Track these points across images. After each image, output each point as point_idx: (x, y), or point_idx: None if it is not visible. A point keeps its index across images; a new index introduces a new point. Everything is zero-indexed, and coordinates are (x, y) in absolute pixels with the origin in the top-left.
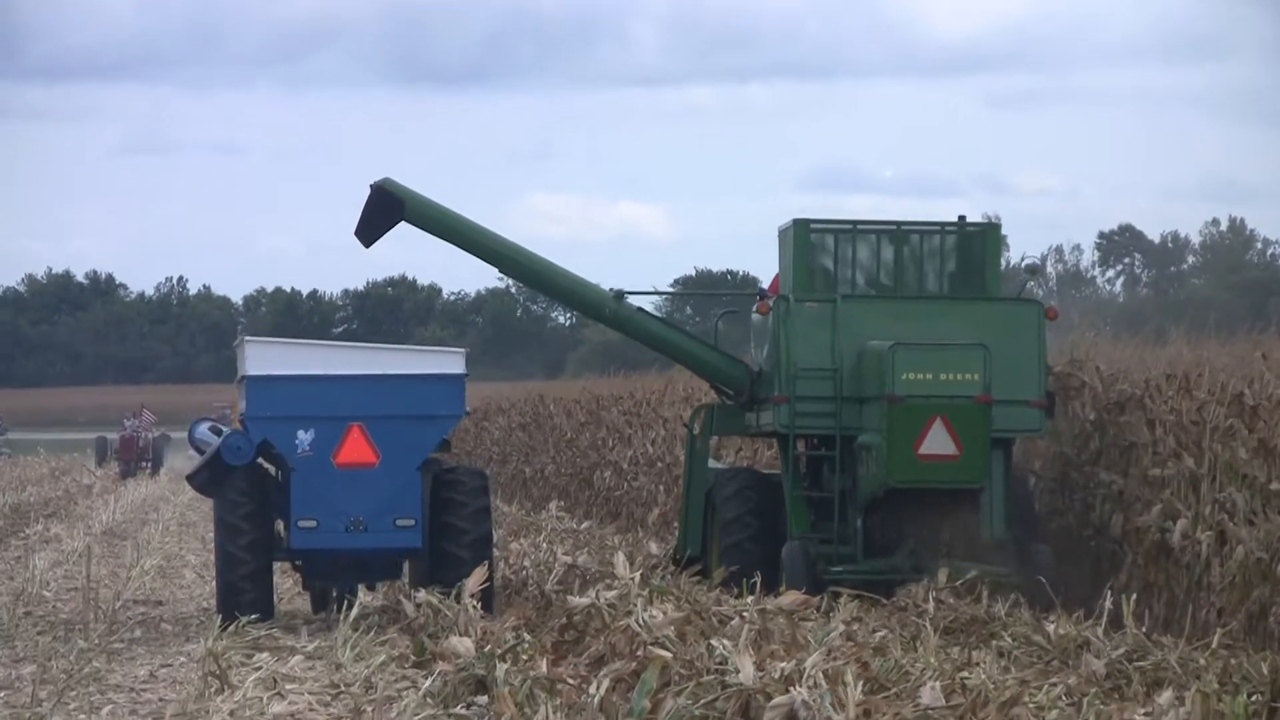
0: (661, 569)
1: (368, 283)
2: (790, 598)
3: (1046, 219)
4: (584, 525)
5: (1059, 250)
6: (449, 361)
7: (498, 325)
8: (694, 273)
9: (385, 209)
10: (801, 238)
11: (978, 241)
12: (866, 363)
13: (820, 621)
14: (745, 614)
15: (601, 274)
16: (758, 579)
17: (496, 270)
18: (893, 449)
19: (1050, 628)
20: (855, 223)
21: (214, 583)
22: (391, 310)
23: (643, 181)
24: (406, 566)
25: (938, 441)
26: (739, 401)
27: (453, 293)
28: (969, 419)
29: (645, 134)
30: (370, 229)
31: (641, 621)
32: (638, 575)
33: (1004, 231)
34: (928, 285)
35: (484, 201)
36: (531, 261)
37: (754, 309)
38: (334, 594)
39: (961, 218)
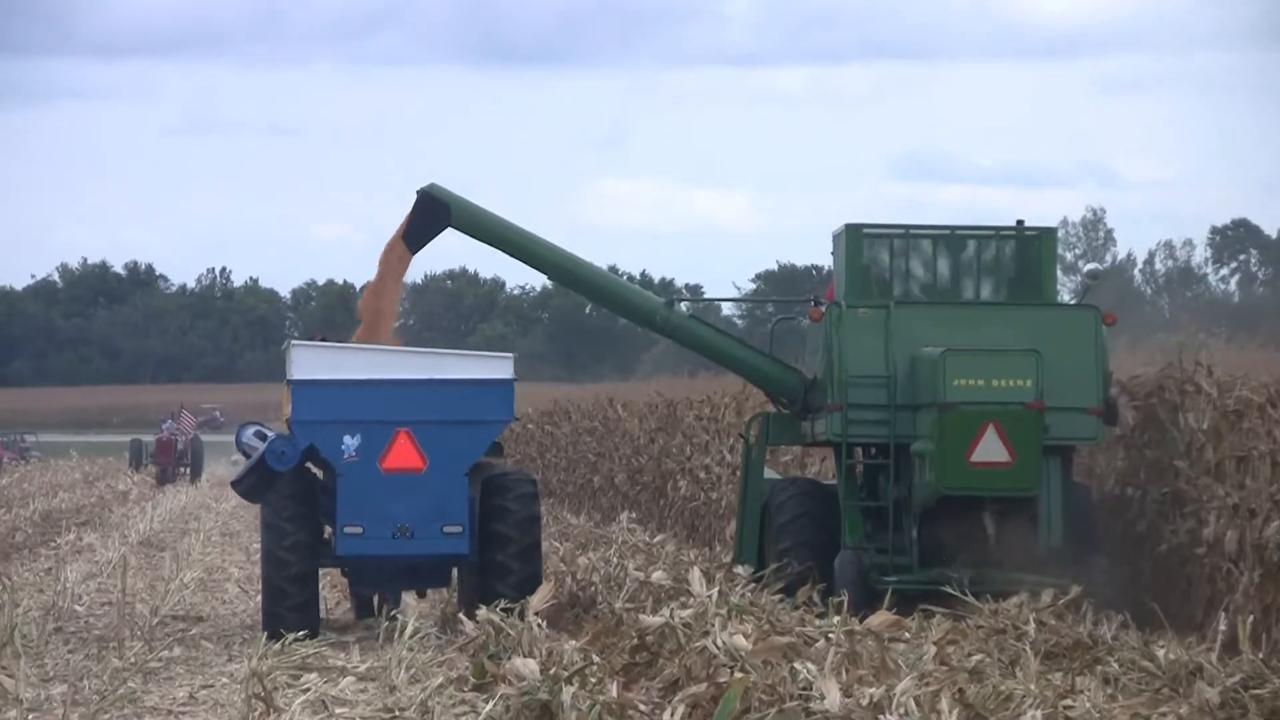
0: (742, 586)
1: (425, 276)
2: (880, 618)
3: (1156, 212)
4: (657, 538)
5: (1168, 246)
6: (497, 367)
7: (565, 322)
8: (776, 267)
9: (432, 215)
10: (854, 243)
11: (1034, 247)
12: (919, 369)
13: (912, 644)
14: (831, 635)
15: (674, 267)
16: (845, 598)
17: (545, 277)
18: (944, 456)
19: (1160, 652)
20: (909, 228)
21: (258, 598)
22: (451, 305)
23: (722, 168)
24: (455, 574)
25: (990, 449)
26: (794, 410)
27: (517, 287)
28: (1021, 426)
29: (727, 117)
30: (417, 234)
31: (719, 643)
32: (715, 592)
33: (1110, 225)
34: (983, 291)
35: (551, 188)
36: (580, 268)
37: (807, 316)
38: (376, 601)
39: (1019, 222)
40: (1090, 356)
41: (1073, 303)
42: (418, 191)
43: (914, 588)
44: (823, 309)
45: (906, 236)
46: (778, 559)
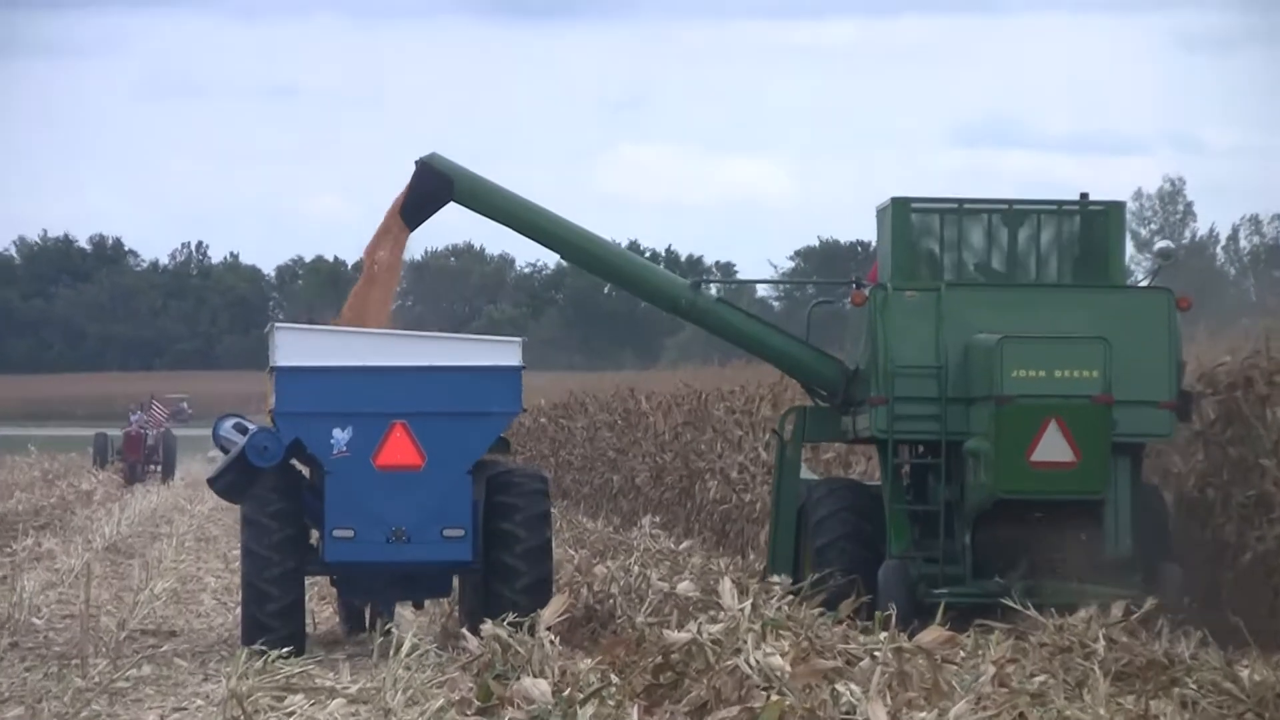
0: (778, 599)
1: (426, 251)
2: (931, 635)
3: (1242, 184)
4: (683, 545)
5: (1254, 220)
6: (505, 352)
7: (581, 304)
8: (817, 243)
9: (432, 188)
10: (901, 218)
11: (1100, 222)
12: (973, 359)
13: (967, 663)
14: (878, 653)
15: (702, 244)
16: (893, 611)
17: (558, 256)
18: (1001, 455)
19: (1244, 673)
20: (962, 201)
21: (237, 610)
22: (455, 284)
23: (757, 133)
24: (456, 583)
25: (1052, 447)
26: (834, 404)
27: (528, 264)
28: (1087, 421)
29: (763, 75)
30: (416, 209)
31: (753, 662)
32: (748, 606)
33: (1189, 198)
34: (1044, 272)
35: (564, 154)
36: (596, 247)
37: (848, 299)
38: (368, 613)
39: (1084, 195)
40: (1163, 344)
41: (1144, 285)
42: (416, 162)
43: (967, 601)
44: (866, 292)
45: (959, 211)
46: (815, 568)
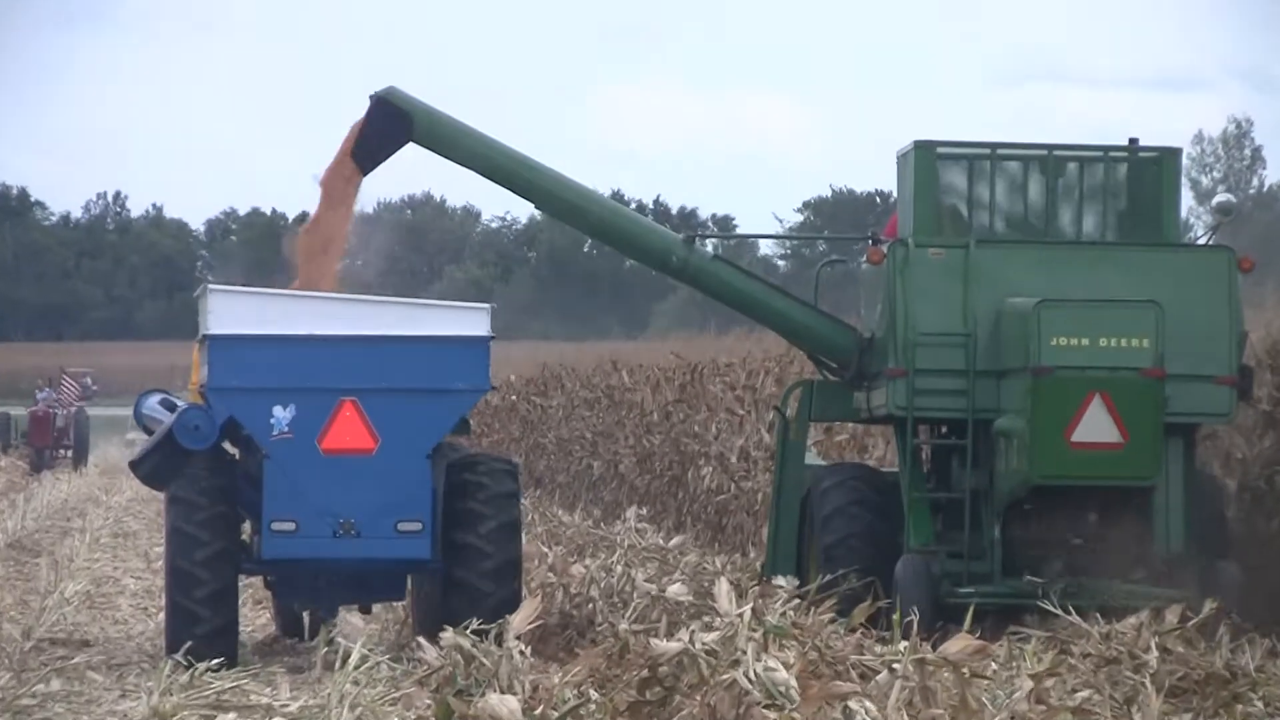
0: (782, 603)
1: (379, 204)
2: (959, 644)
3: None
4: (673, 541)
5: None
6: (470, 320)
7: (558, 263)
8: (829, 194)
9: (388, 126)
10: (925, 165)
11: (1152, 172)
12: (1006, 326)
13: (1000, 676)
14: (896, 666)
15: (698, 194)
16: (914, 616)
17: (532, 206)
18: (1038, 436)
19: None
20: (995, 146)
21: (160, 616)
22: (412, 241)
23: (765, 68)
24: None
25: (1096, 426)
26: (845, 377)
27: (496, 218)
28: (1136, 397)
29: (775, 5)
30: (370, 151)
31: (753, 675)
32: (748, 611)
33: (1258, 141)
34: (1087, 227)
35: (547, 93)
36: (576, 196)
37: (864, 258)
38: (307, 617)
39: (1133, 140)
40: (1222, 311)
41: (1201, 243)
42: (371, 97)
43: (995, 602)
44: (884, 249)
45: (991, 158)
46: (821, 566)
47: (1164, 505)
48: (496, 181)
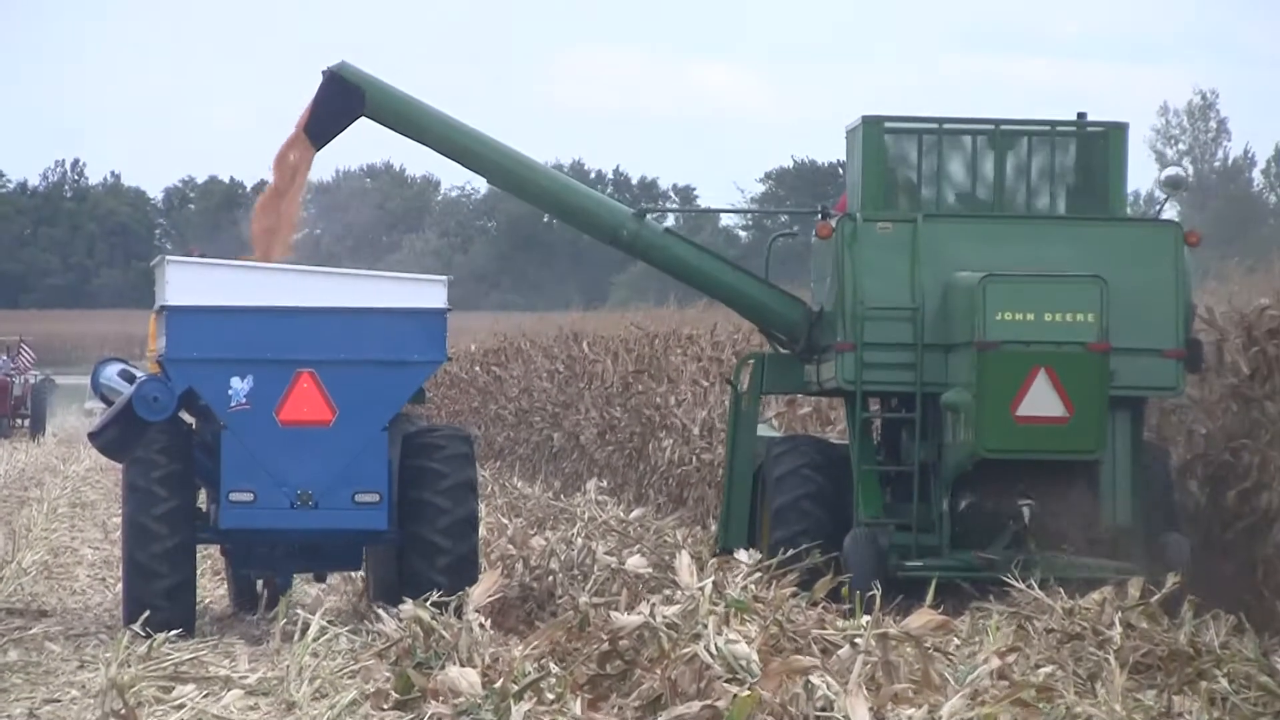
0: (743, 576)
1: (337, 173)
2: (921, 619)
3: None
4: (634, 514)
5: None
6: (427, 292)
7: (517, 234)
8: (790, 164)
9: (341, 101)
10: (874, 140)
11: (1100, 146)
12: (953, 300)
13: (963, 651)
14: (858, 641)
15: (659, 163)
16: (876, 592)
17: (484, 180)
18: (984, 409)
19: None
20: (942, 121)
21: (117, 586)
22: (371, 210)
23: (728, 34)
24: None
25: (1041, 400)
26: (795, 350)
27: (454, 187)
28: (1081, 371)
29: None
30: (323, 126)
31: (714, 649)
32: (709, 584)
33: (1223, 114)
34: (1036, 202)
35: (514, 57)
36: (525, 170)
37: (814, 232)
38: (261, 584)
39: (1081, 115)
40: (1169, 285)
41: (1149, 218)
42: (324, 72)
43: (944, 574)
44: (832, 224)
45: (939, 132)
46: (772, 528)
47: (1111, 478)
48: (447, 155)
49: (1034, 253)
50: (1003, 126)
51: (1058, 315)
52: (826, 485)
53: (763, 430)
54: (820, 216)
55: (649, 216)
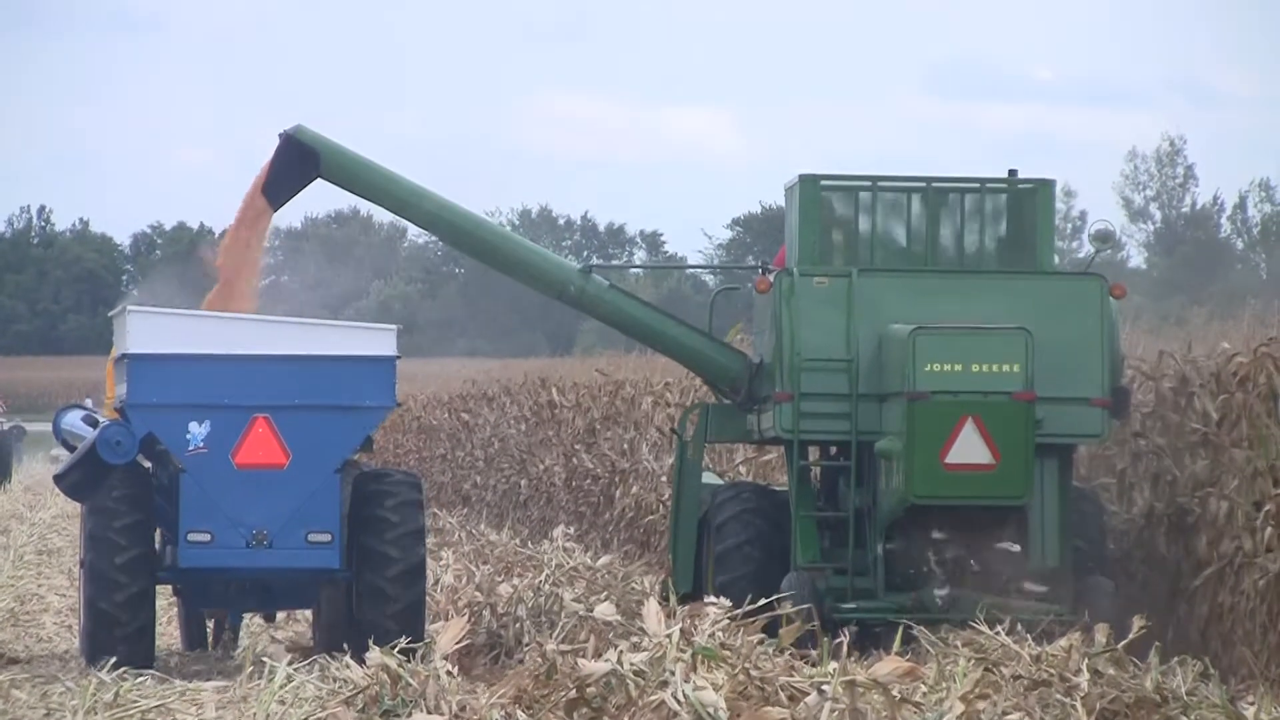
0: (712, 624)
1: (306, 219)
2: (888, 666)
3: (1254, 140)
4: (601, 560)
5: (1265, 186)
6: (377, 340)
7: (484, 280)
8: (759, 209)
9: (298, 163)
10: (810, 197)
11: (1029, 202)
12: (887, 351)
13: (930, 699)
14: (825, 688)
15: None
16: (844, 638)
17: (435, 238)
18: (914, 457)
19: (1250, 711)
20: (877, 179)
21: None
22: (337, 258)
23: (702, 78)
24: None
25: (969, 448)
26: (736, 400)
27: (422, 234)
28: (1007, 420)
29: (710, 12)
30: (280, 187)
31: (681, 696)
32: (676, 631)
33: (1190, 160)
34: (967, 257)
35: (483, 100)
36: (475, 228)
37: (753, 286)
38: (212, 626)
39: (1012, 172)
40: (1095, 336)
41: (1076, 271)
42: (280, 135)
43: (879, 617)
44: (771, 278)
45: (874, 189)
46: (715, 573)
47: (1039, 522)
48: (399, 214)
49: (965, 306)
50: (935, 184)
51: (985, 366)
52: (768, 529)
53: (707, 478)
54: (760, 271)
55: (594, 273)
